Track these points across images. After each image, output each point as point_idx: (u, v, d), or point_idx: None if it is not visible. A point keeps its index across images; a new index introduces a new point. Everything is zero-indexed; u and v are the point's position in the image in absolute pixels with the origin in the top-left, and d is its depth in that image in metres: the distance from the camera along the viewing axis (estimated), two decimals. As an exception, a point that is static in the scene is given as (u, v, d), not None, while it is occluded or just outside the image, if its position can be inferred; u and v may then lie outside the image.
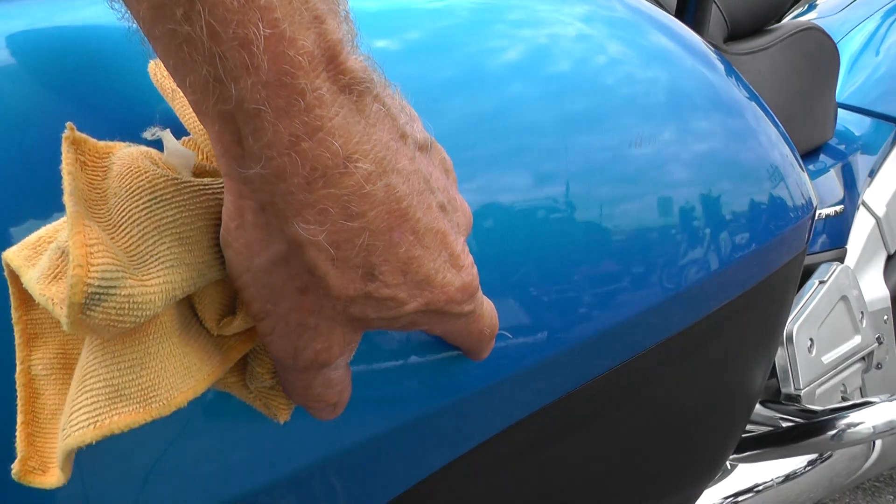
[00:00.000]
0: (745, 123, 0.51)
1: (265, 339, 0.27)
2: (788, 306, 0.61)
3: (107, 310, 0.23)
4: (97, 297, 0.22)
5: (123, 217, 0.25)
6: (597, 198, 0.39)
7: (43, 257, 0.25)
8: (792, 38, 1.08)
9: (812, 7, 1.49)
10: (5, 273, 0.26)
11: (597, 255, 0.39)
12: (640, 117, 0.43)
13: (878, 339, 1.11)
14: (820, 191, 1.11)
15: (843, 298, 1.00)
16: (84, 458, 0.27)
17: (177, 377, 0.25)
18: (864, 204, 1.19)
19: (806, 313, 0.94)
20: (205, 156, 0.29)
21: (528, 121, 0.38)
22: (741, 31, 1.07)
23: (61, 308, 0.23)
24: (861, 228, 1.16)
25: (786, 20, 1.43)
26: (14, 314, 0.26)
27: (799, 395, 0.91)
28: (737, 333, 0.53)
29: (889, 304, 1.15)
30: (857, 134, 1.25)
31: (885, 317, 1.14)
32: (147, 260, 0.24)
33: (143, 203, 0.25)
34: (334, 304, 0.26)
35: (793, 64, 1.07)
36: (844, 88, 1.28)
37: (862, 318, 1.04)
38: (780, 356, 0.92)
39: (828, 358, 0.98)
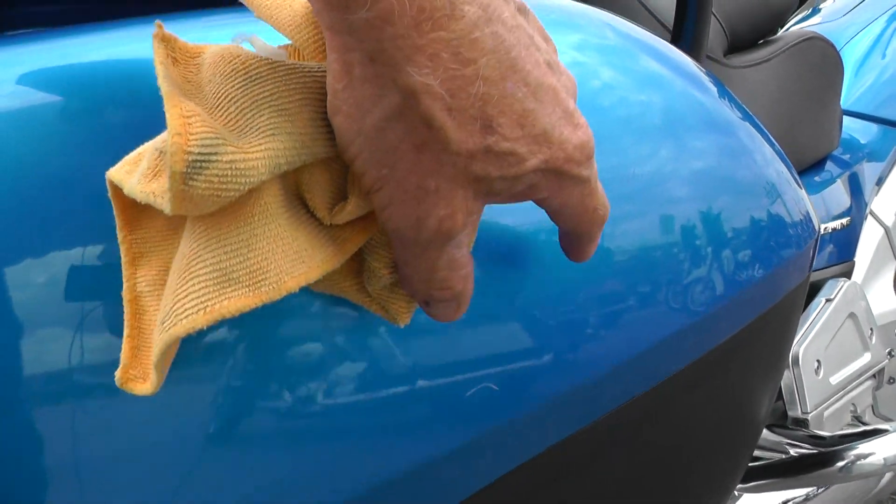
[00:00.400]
0: (741, 143, 0.50)
1: (383, 215, 0.26)
2: (794, 331, 0.60)
3: (209, 178, 0.23)
4: (198, 164, 0.22)
5: (220, 98, 0.25)
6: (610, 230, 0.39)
7: (142, 162, 0.25)
8: (794, 48, 1.07)
9: (816, 11, 1.48)
10: (109, 194, 0.27)
11: (608, 289, 0.39)
12: (637, 142, 0.42)
13: (890, 352, 1.08)
14: (826, 202, 1.09)
15: (851, 315, 0.98)
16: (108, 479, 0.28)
17: (286, 261, 0.25)
18: (872, 213, 1.17)
19: (812, 334, 0.92)
20: (296, 56, 0.29)
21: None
22: (742, 42, 1.06)
23: (163, 198, 0.23)
24: (869, 239, 1.14)
25: (789, 25, 1.41)
26: (119, 234, 0.27)
27: (806, 420, 0.88)
28: (742, 363, 0.52)
29: (900, 315, 1.13)
30: (863, 141, 1.23)
31: (896, 330, 1.12)
32: (247, 132, 0.24)
33: (238, 82, 0.25)
34: (454, 160, 0.25)
35: (796, 75, 1.06)
36: (850, 94, 1.26)
37: (871, 334, 1.02)
38: (787, 378, 0.90)
39: (836, 378, 0.95)
